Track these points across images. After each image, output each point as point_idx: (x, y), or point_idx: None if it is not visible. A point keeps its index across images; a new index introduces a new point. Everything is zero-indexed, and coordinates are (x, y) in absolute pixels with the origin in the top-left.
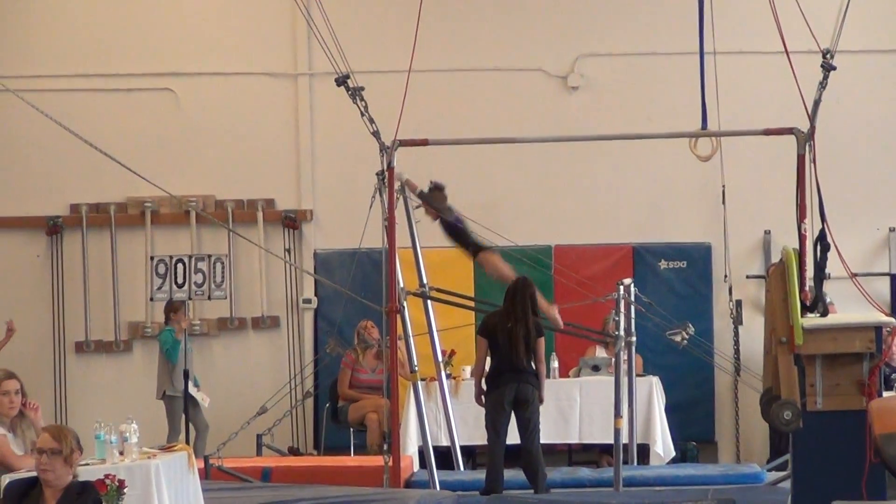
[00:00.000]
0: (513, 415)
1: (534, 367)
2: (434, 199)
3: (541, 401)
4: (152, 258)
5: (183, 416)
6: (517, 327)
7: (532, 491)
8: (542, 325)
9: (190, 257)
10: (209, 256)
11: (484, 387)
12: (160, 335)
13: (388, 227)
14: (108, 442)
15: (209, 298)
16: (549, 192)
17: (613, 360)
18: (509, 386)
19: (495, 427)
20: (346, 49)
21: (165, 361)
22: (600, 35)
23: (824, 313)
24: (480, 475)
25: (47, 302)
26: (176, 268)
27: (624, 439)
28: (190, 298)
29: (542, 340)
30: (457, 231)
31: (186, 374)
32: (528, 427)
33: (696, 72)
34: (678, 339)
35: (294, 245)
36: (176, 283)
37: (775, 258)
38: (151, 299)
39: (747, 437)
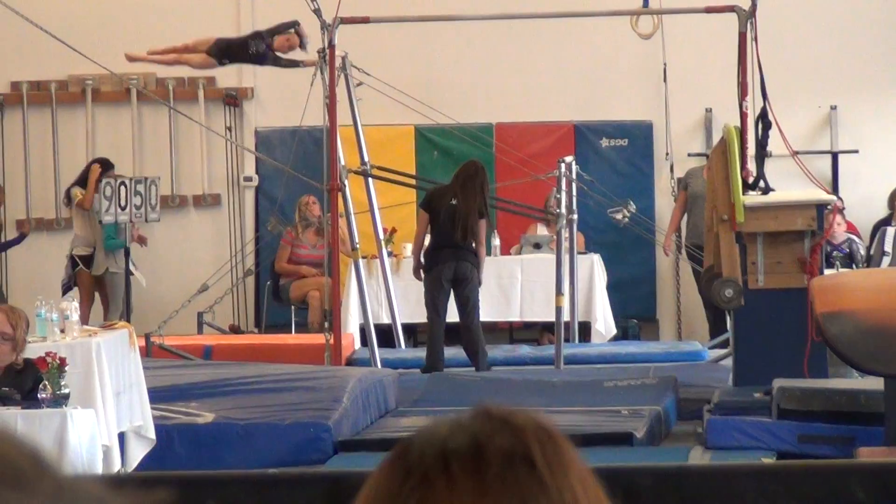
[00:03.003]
0: (451, 292)
1: (474, 246)
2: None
3: (479, 283)
4: (99, 180)
5: (123, 294)
6: (460, 205)
7: (473, 369)
8: (486, 208)
9: (130, 180)
10: (146, 179)
11: (423, 262)
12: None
13: (329, 104)
14: (48, 320)
15: (146, 221)
16: (491, 70)
17: (555, 237)
18: (448, 264)
19: (435, 305)
20: None
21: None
22: None
23: (766, 191)
24: (421, 353)
25: None
26: (119, 190)
27: (565, 317)
28: (131, 221)
29: (483, 222)
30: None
31: (128, 253)
32: (468, 305)
33: None
34: (619, 216)
35: (235, 123)
36: (119, 205)
37: (717, 136)
38: (100, 222)
39: (689, 315)
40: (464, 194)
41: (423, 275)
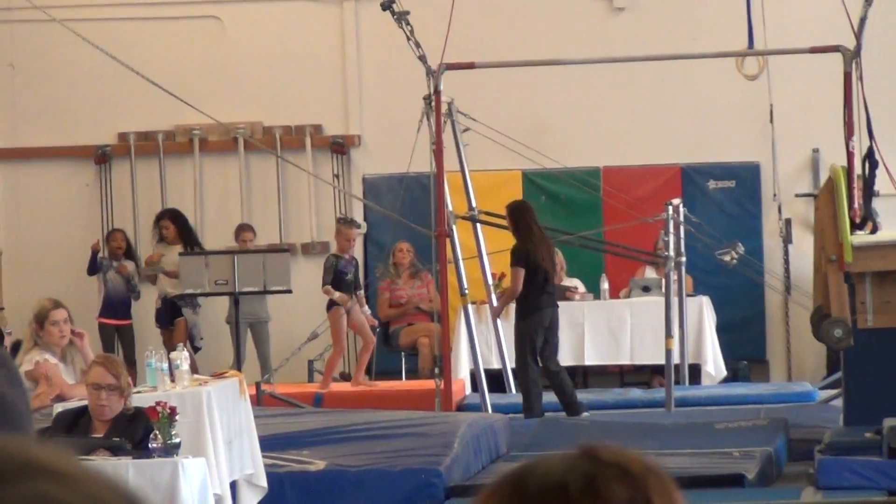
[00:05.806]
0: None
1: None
2: None
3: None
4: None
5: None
6: (551, 251)
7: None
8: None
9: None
10: None
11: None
12: None
13: (435, 151)
14: (159, 369)
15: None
16: (597, 113)
17: (663, 280)
18: (548, 310)
19: (534, 350)
20: None
21: None
22: None
23: (874, 230)
24: None
25: (97, 230)
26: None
27: (675, 359)
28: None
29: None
30: None
31: (237, 303)
32: (555, 350)
33: None
34: (728, 258)
35: (342, 170)
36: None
37: (824, 176)
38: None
39: (798, 355)
40: (545, 242)
41: (520, 320)
